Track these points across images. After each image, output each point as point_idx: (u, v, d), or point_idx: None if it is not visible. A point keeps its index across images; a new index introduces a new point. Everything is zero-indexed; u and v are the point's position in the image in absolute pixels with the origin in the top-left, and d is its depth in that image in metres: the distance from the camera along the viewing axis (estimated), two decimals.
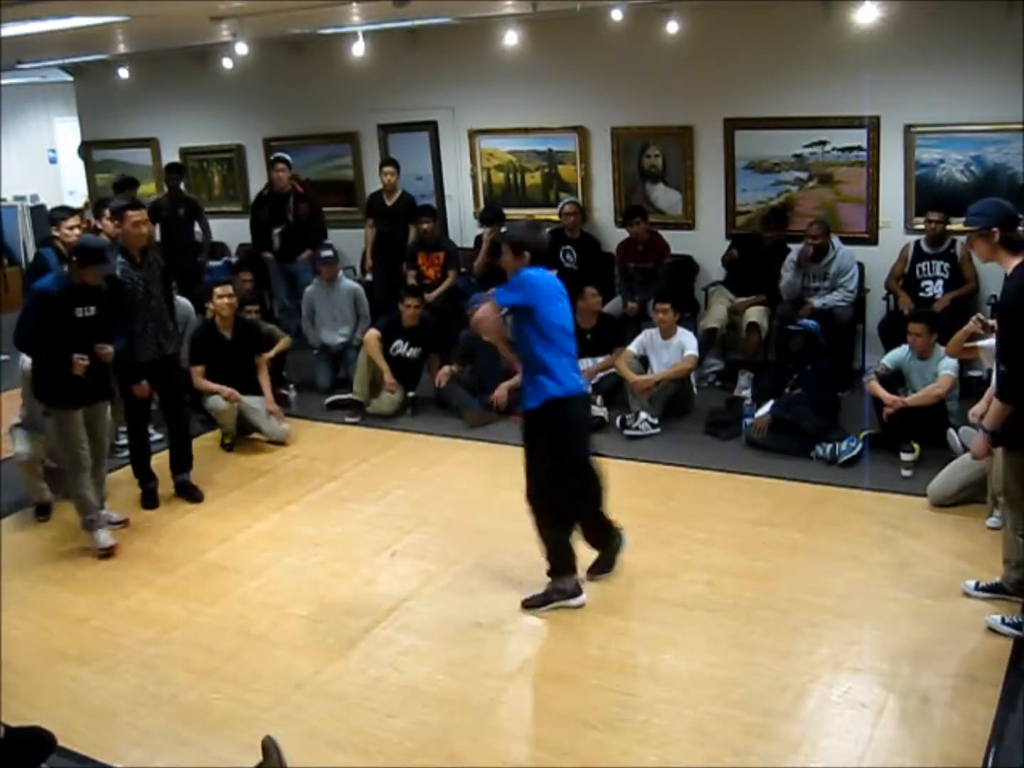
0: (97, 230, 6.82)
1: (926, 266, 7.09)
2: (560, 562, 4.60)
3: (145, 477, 6.06)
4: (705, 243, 8.02)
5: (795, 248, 7.39)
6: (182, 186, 9.42)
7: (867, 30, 6.89)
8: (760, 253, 7.64)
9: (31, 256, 10.44)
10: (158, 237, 9.41)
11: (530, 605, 4.61)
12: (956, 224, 6.99)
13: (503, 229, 4.72)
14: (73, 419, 5.26)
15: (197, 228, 9.28)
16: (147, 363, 5.76)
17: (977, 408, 4.79)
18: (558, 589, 4.59)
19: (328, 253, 8.16)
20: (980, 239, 4.08)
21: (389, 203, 8.72)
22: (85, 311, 5.21)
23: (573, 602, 4.59)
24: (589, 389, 4.72)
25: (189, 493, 6.10)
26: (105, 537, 5.34)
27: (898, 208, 7.43)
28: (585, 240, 8.43)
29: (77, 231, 6.57)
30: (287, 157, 8.79)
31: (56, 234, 6.47)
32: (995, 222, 4.01)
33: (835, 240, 7.29)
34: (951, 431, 5.74)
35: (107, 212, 6.73)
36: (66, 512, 5.83)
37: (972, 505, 5.22)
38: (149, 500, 6.02)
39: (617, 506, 5.71)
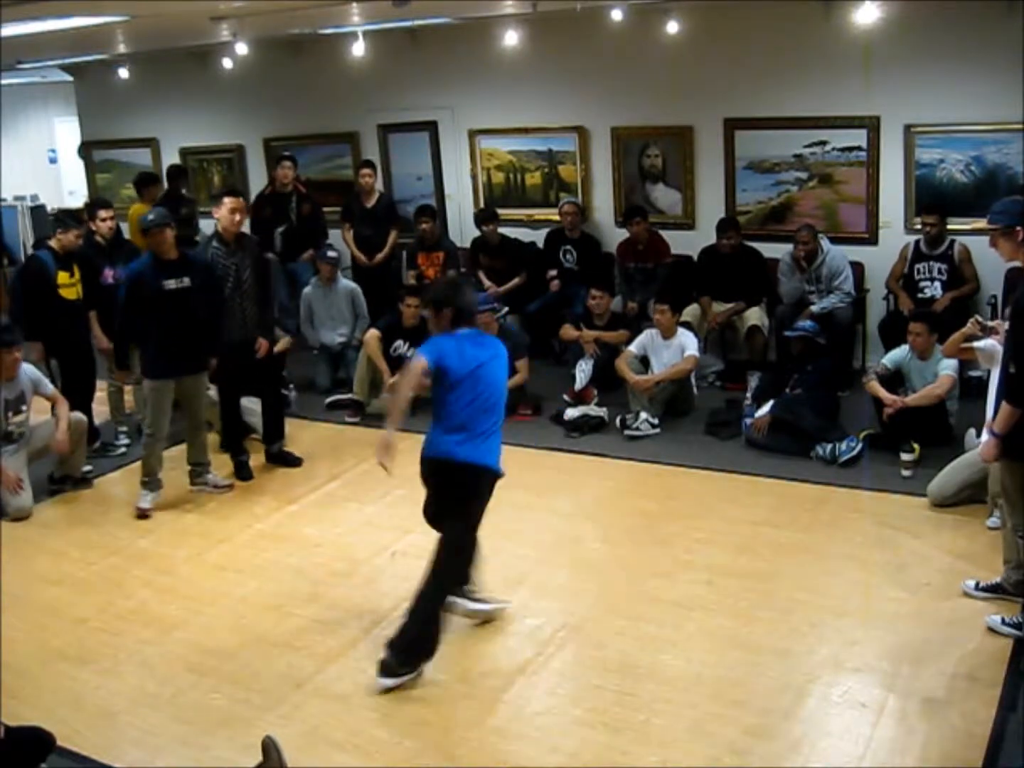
0: (91, 231, 6.82)
1: (924, 267, 7.08)
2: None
3: (237, 451, 6.43)
4: (705, 243, 7.99)
5: (785, 252, 7.41)
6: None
7: (867, 30, 6.89)
8: (730, 260, 7.62)
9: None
10: None
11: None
12: (955, 224, 7.02)
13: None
14: (166, 388, 5.77)
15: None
16: (236, 343, 6.11)
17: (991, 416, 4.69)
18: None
19: (333, 253, 8.19)
20: (1003, 238, 4.02)
21: (368, 205, 8.71)
22: (179, 283, 5.66)
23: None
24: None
25: (285, 459, 6.55)
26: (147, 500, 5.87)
27: (898, 208, 7.43)
28: (585, 240, 8.43)
29: (79, 241, 6.60)
30: (293, 156, 8.78)
31: (60, 236, 6.48)
32: (1019, 221, 3.96)
33: (824, 242, 7.28)
34: (970, 432, 5.58)
35: (99, 213, 6.78)
36: (66, 512, 5.83)
37: (972, 505, 5.21)
38: (243, 472, 6.38)
39: (617, 506, 5.76)
